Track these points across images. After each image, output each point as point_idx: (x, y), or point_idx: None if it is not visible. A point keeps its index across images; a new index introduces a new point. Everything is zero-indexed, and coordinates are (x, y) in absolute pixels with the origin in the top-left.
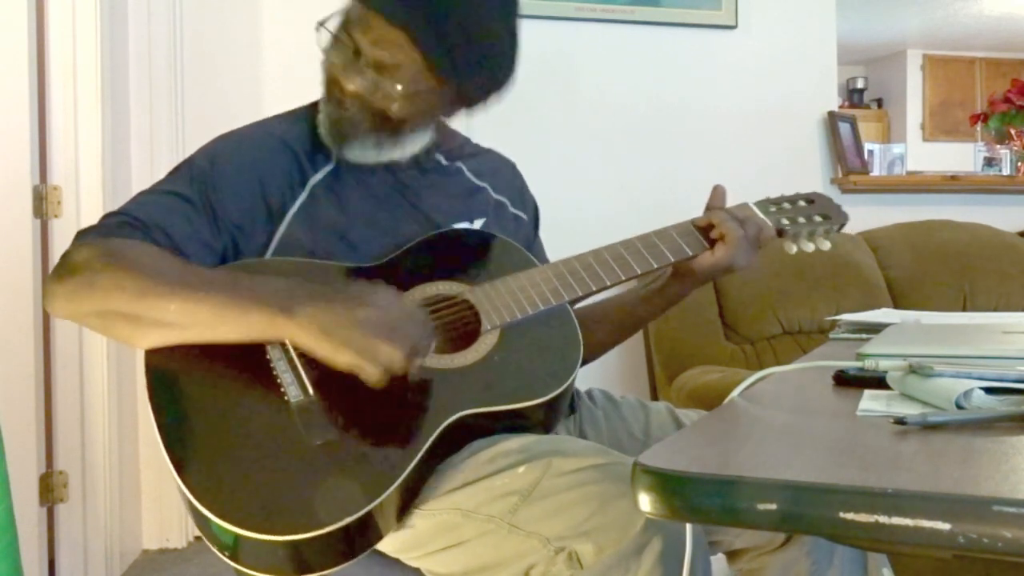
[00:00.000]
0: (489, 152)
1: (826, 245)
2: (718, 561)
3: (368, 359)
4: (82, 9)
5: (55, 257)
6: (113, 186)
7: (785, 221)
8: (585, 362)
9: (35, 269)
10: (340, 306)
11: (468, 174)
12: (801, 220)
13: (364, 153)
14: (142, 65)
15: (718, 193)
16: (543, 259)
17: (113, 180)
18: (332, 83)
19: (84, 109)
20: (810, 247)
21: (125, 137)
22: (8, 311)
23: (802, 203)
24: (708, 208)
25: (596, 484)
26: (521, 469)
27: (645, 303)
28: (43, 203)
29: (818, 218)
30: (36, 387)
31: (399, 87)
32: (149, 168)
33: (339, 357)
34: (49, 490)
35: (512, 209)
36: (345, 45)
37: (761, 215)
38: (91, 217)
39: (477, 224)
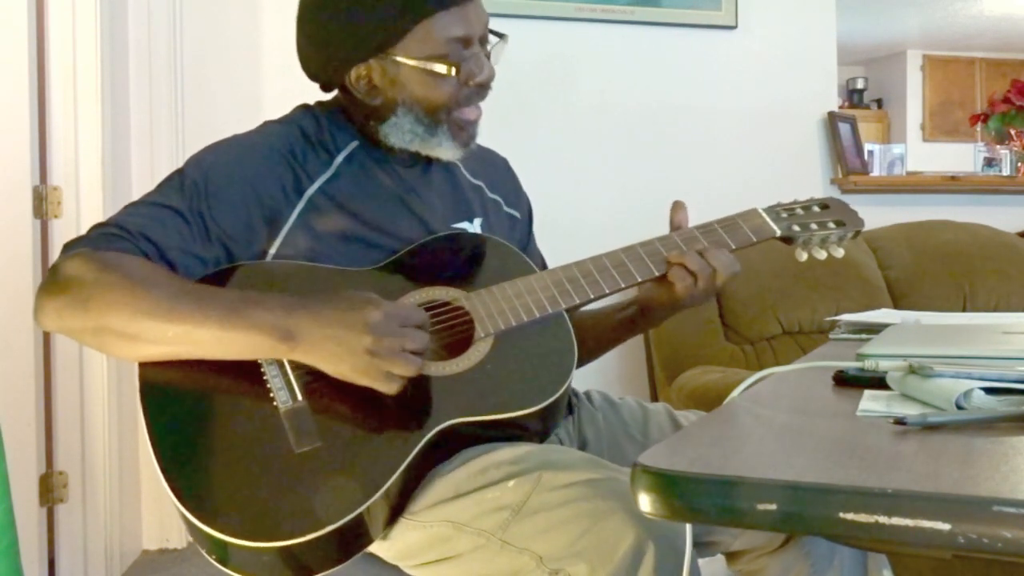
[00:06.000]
0: (481, 148)
1: (839, 252)
2: (718, 562)
3: (382, 380)
4: (82, 9)
5: (55, 258)
6: (113, 186)
7: (796, 227)
8: (581, 364)
9: (35, 269)
10: (342, 329)
11: (464, 172)
12: (813, 226)
13: (451, 151)
14: (142, 65)
15: (677, 211)
16: (538, 258)
17: (113, 180)
18: (449, 97)
19: (84, 109)
20: (822, 255)
21: (125, 137)
22: (8, 311)
23: (816, 208)
24: (672, 228)
25: (587, 501)
26: (511, 483)
27: (646, 316)
28: (43, 203)
29: (832, 224)
30: (36, 387)
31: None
32: (149, 168)
33: (350, 380)
34: (49, 490)
35: (506, 208)
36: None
37: (771, 222)
38: (91, 217)
39: (475, 223)
